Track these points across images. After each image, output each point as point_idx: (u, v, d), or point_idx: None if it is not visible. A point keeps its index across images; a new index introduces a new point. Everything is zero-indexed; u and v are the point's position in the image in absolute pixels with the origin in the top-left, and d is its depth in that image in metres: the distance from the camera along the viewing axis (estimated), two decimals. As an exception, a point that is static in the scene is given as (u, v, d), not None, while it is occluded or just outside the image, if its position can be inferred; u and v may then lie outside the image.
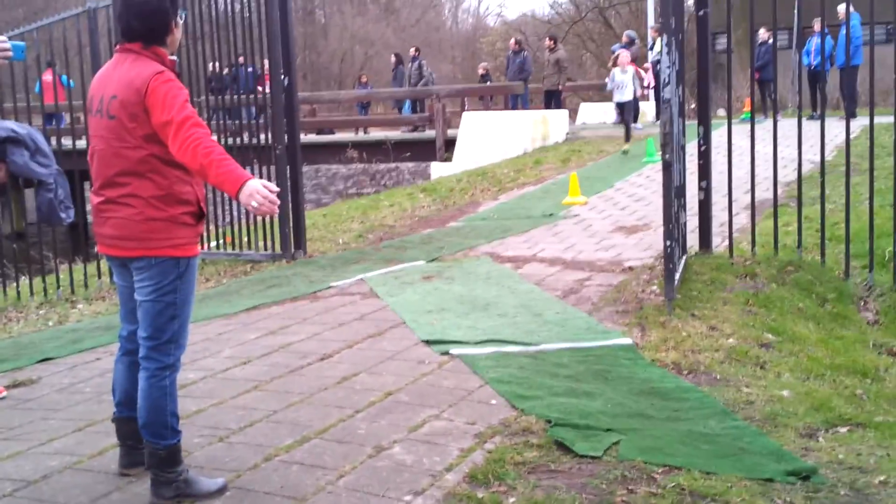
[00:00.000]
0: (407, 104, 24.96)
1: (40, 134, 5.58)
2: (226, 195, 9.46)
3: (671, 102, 6.45)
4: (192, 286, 3.87)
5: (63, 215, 5.46)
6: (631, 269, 7.79)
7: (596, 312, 6.54)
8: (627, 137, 16.70)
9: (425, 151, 19.62)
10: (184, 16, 3.97)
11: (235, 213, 9.58)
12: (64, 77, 14.36)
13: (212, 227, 9.57)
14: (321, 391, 5.09)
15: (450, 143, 18.90)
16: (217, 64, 9.87)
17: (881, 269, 7.17)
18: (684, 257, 7.31)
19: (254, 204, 3.50)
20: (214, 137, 3.71)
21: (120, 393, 4.04)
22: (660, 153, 6.76)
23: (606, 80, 18.29)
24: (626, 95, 17.11)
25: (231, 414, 4.78)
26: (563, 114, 21.15)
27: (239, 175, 3.53)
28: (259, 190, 3.50)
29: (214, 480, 3.87)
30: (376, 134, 22.30)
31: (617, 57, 17.64)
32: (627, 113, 17.39)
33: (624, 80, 16.95)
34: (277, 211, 3.60)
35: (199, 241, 3.92)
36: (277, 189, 3.60)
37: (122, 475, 4.04)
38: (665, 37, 6.56)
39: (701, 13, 7.81)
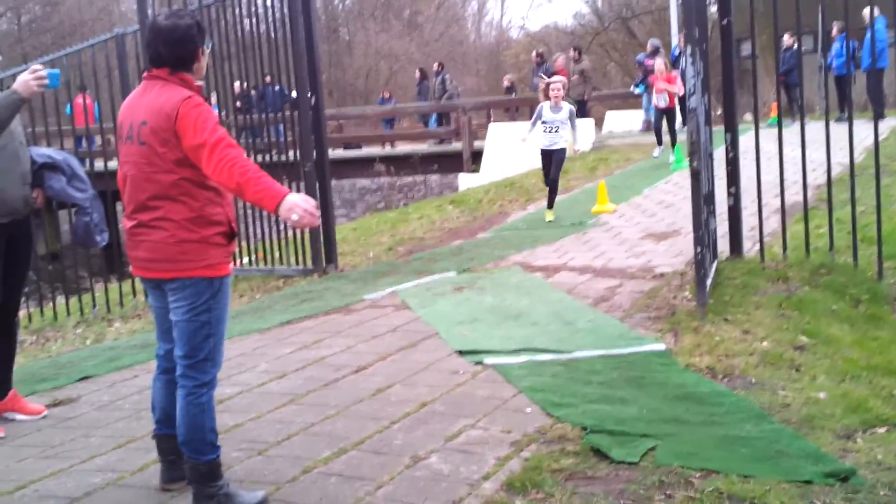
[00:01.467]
0: (433, 118, 25.05)
1: (76, 159, 5.67)
2: (256, 212, 9.56)
3: (697, 111, 6.46)
4: (226, 305, 3.93)
5: (98, 238, 5.53)
6: (662, 275, 7.79)
7: (628, 319, 6.54)
8: (551, 202, 11.68)
9: (452, 164, 19.72)
10: (210, 45, 4.04)
11: (267, 230, 9.65)
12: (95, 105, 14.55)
13: (244, 244, 9.66)
14: (357, 403, 5.13)
15: (476, 155, 18.98)
16: (245, 84, 9.97)
17: (914, 269, 7.13)
18: (715, 262, 7.30)
19: (294, 217, 3.56)
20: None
21: (159, 411, 4.10)
22: (687, 160, 6.77)
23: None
24: (559, 141, 11.42)
25: (269, 428, 4.82)
26: (589, 123, 21.16)
27: (277, 191, 3.60)
28: (298, 203, 3.57)
29: (254, 494, 3.91)
30: (403, 148, 22.41)
31: (548, 86, 11.49)
32: (556, 167, 11.54)
33: (556, 121, 11.31)
34: (318, 222, 3.66)
35: (231, 261, 3.98)
36: (315, 202, 3.66)
37: (163, 490, 4.09)
38: (689, 47, 6.57)
39: (724, 22, 7.82)
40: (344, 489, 3.97)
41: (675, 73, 16.30)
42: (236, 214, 4.13)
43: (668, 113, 16.35)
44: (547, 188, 11.69)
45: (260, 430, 4.81)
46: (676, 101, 16.26)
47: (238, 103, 10.91)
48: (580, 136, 11.66)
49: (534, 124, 11.59)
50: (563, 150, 11.50)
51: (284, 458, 4.38)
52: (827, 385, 5.10)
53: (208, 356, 3.86)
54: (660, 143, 16.78)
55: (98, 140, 17.79)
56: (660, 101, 16.26)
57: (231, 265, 3.98)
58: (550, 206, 11.60)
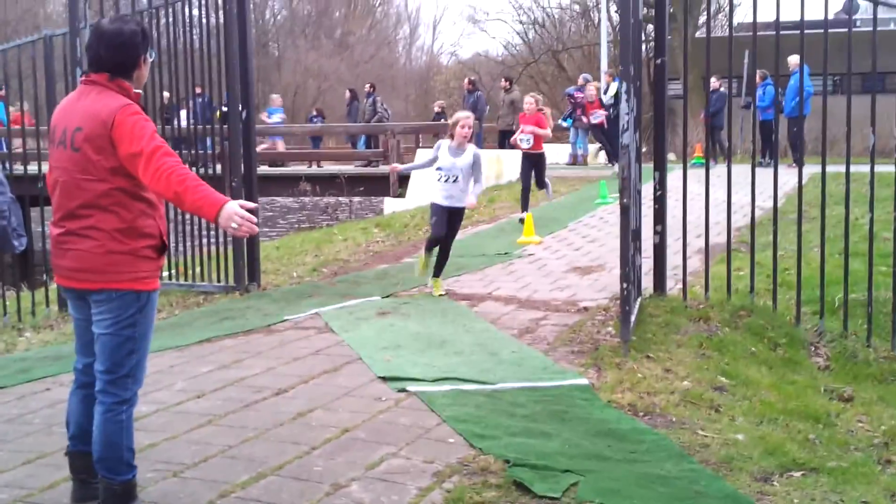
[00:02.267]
0: (362, 139, 25.00)
1: None
2: (178, 225, 9.40)
3: (629, 148, 6.53)
4: (151, 320, 3.84)
5: (16, 243, 5.35)
6: (586, 309, 7.83)
7: (552, 352, 6.56)
8: (439, 269, 8.84)
9: (378, 187, 19.68)
10: (153, 55, 3.97)
11: (189, 244, 9.48)
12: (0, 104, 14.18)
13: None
14: (277, 427, 5.04)
15: (403, 180, 18.95)
16: (172, 94, 9.81)
17: (831, 315, 7.29)
18: (639, 299, 7.37)
19: (233, 226, 3.51)
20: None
21: (74, 426, 3.97)
22: (612, 195, 6.82)
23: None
24: (458, 196, 8.49)
25: (185, 449, 4.70)
26: (516, 155, 21.29)
27: (216, 199, 3.53)
28: (237, 212, 3.51)
29: (169, 517, 3.81)
30: (330, 168, 22.32)
31: (455, 123, 8.56)
32: (451, 229, 8.71)
33: (455, 168, 8.41)
34: (257, 230, 3.60)
35: (159, 275, 3.88)
36: (254, 206, 3.61)
37: (73, 510, 3.96)
38: (624, 84, 6.65)
39: (658, 61, 7.94)
40: (262, 515, 3.88)
41: (545, 114, 13.36)
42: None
43: (537, 160, 13.41)
44: (426, 250, 8.84)
45: (176, 450, 4.68)
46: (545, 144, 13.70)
47: (165, 114, 10.74)
48: (478, 189, 8.53)
49: (427, 164, 8.87)
50: (462, 210, 8.66)
51: (201, 480, 4.27)
52: (745, 427, 5.17)
53: (130, 372, 3.77)
54: (525, 207, 13.23)
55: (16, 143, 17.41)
56: (523, 142, 13.22)
57: (159, 280, 3.89)
58: (438, 273, 8.79)
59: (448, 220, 8.56)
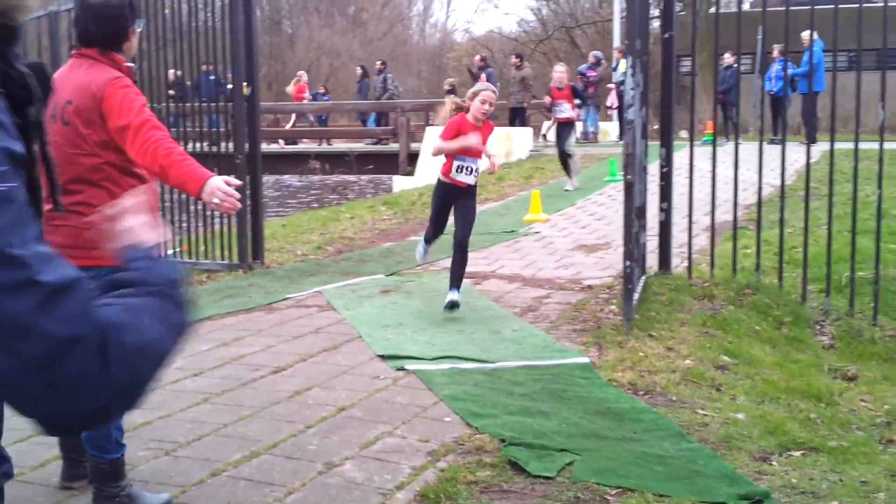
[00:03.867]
0: (372, 117, 24.92)
1: None
2: (183, 203, 9.36)
3: (634, 124, 6.45)
4: (142, 298, 3.79)
5: None
6: (590, 287, 7.78)
7: (554, 331, 6.51)
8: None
9: (388, 164, 19.63)
10: (142, 24, 3.92)
11: (193, 222, 9.45)
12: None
13: (168, 235, 9.45)
14: (273, 405, 5.01)
15: (413, 157, 18.90)
16: (179, 71, 9.76)
17: (837, 293, 7.20)
18: (643, 277, 7.30)
19: (215, 201, 3.47)
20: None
21: (64, 404, 3.94)
22: (621, 173, 6.74)
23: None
24: None
25: (179, 427, 4.68)
26: (526, 131, 21.20)
27: (200, 174, 3.49)
28: (220, 187, 3.47)
29: (158, 496, 3.79)
30: (339, 145, 22.26)
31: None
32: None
33: None
34: (240, 206, 3.56)
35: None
36: (239, 183, 3.56)
37: (63, 488, 3.94)
38: (630, 59, 6.56)
39: (666, 35, 7.84)
40: (252, 494, 3.85)
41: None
42: (163, 204, 4.02)
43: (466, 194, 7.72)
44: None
45: (170, 429, 4.66)
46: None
47: (171, 91, 10.71)
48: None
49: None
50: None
51: (193, 459, 4.25)
52: (746, 406, 5.11)
53: (117, 351, 3.72)
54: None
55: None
56: (462, 172, 7.47)
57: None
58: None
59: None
